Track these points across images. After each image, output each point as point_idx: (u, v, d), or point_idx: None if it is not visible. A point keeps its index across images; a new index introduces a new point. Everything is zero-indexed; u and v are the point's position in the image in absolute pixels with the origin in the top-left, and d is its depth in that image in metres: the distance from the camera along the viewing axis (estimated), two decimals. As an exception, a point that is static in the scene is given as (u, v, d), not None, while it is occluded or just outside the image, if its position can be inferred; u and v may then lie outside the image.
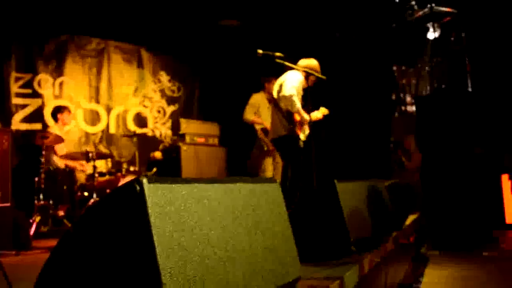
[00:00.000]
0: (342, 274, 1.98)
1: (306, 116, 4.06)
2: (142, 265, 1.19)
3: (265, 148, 5.15)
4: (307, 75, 4.07)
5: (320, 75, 4.08)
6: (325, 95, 5.51)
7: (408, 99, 6.93)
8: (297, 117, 4.00)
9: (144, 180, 1.21)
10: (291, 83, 3.94)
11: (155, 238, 1.18)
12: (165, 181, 1.29)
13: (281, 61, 4.37)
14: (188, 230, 1.32)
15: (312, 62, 4.18)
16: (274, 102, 4.14)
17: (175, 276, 1.21)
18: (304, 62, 4.15)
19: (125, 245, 1.23)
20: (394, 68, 6.67)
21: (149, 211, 1.19)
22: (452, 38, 6.17)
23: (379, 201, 2.97)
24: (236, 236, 1.51)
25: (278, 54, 4.38)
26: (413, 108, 6.57)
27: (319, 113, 5.31)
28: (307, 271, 1.96)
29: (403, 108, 6.92)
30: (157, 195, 1.24)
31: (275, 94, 4.12)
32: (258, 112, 5.32)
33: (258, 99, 5.36)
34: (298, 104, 3.93)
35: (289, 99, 3.89)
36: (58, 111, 5.39)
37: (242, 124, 5.43)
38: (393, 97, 6.76)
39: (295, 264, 1.75)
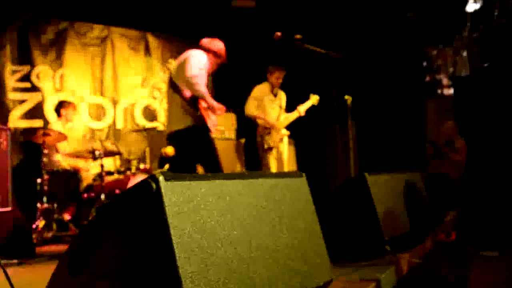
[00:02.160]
0: (378, 276, 1.99)
1: (214, 103, 3.83)
2: (161, 269, 1.22)
3: (266, 146, 5.19)
4: (214, 56, 3.95)
5: (224, 60, 4.00)
6: (351, 80, 5.48)
7: (445, 81, 6.83)
8: (204, 103, 3.76)
9: (161, 178, 1.24)
10: (194, 62, 3.71)
11: (174, 240, 1.21)
12: (182, 178, 1.32)
13: (301, 44, 4.36)
14: (209, 230, 1.35)
15: (218, 43, 4.05)
16: (172, 86, 3.86)
17: (197, 280, 1.24)
18: (208, 42, 4.01)
19: (142, 249, 1.27)
20: (428, 47, 6.58)
21: (167, 210, 1.22)
22: (496, 10, 6.04)
23: (415, 195, 2.96)
24: (260, 234, 1.54)
25: (298, 36, 4.37)
26: (450, 91, 6.48)
27: (309, 102, 5.29)
28: (337, 273, 1.97)
29: (439, 91, 6.83)
30: (174, 193, 1.27)
31: (173, 75, 3.86)
32: (261, 105, 5.32)
33: (261, 91, 5.36)
34: (203, 88, 3.70)
35: (191, 80, 3.65)
36: (62, 106, 5.45)
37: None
38: (427, 79, 6.68)
39: (325, 264, 1.77)
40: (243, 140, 6.17)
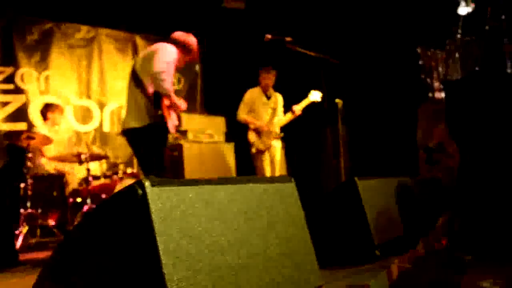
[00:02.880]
0: (368, 281, 2.00)
1: (178, 102, 3.63)
2: (148, 276, 1.22)
3: (256, 150, 5.21)
4: (184, 52, 3.75)
5: (196, 55, 3.81)
6: (342, 83, 5.51)
7: (436, 84, 6.89)
8: (166, 101, 3.55)
9: (147, 183, 1.24)
10: (162, 57, 3.47)
11: (160, 246, 1.21)
12: (169, 183, 1.32)
13: (292, 46, 4.38)
14: (196, 236, 1.35)
15: (191, 38, 3.83)
16: (135, 80, 3.60)
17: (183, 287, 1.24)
18: (180, 36, 3.80)
19: (127, 255, 1.26)
20: (419, 50, 6.64)
21: (153, 217, 1.22)
22: (488, 13, 6.11)
23: (408, 200, 2.98)
24: (249, 241, 1.54)
25: (288, 38, 4.39)
26: (442, 94, 6.53)
27: (306, 101, 5.18)
28: (327, 278, 1.98)
29: (430, 94, 6.89)
30: (161, 199, 1.27)
31: (137, 68, 3.60)
32: (253, 110, 5.32)
33: (253, 95, 5.34)
34: (169, 85, 3.46)
35: (158, 76, 3.41)
36: (48, 109, 5.41)
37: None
38: (419, 82, 6.73)
39: (314, 270, 1.78)
40: (231, 144, 6.18)
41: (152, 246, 1.20)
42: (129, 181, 4.82)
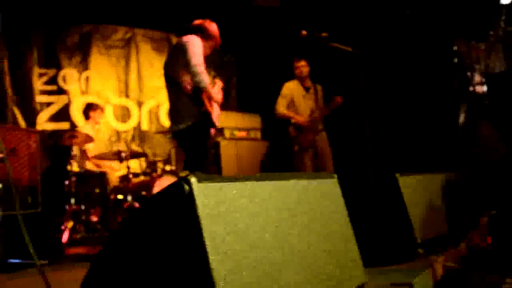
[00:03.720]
0: (411, 279, 1.96)
1: (215, 94, 3.56)
2: (195, 273, 1.23)
3: (299, 147, 5.02)
4: (207, 39, 3.65)
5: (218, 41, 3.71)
6: (380, 78, 5.42)
7: (477, 78, 6.70)
8: (206, 95, 3.47)
9: (193, 179, 1.25)
10: (193, 49, 3.38)
11: (207, 242, 1.22)
12: (214, 179, 1.33)
13: (328, 42, 4.33)
14: (241, 232, 1.35)
15: (212, 25, 3.76)
16: (170, 81, 3.57)
17: (230, 283, 1.24)
18: (201, 24, 3.74)
19: (174, 251, 1.28)
20: (458, 43, 6.47)
21: (200, 213, 1.23)
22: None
23: (452, 197, 2.91)
24: (292, 237, 1.54)
25: (324, 34, 4.34)
26: (484, 88, 6.34)
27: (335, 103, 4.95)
28: (369, 276, 1.95)
29: (470, 88, 6.70)
30: (207, 195, 1.28)
31: (169, 69, 3.58)
32: (292, 103, 5.12)
33: (291, 88, 5.15)
34: (207, 77, 3.39)
35: (196, 70, 3.34)
36: (90, 108, 5.57)
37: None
38: (458, 76, 6.56)
39: (358, 268, 1.76)
40: (267, 142, 6.17)
41: (199, 242, 1.21)
42: (168, 178, 4.89)
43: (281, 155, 5.31)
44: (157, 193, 1.37)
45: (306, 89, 5.19)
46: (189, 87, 3.44)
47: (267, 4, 6.77)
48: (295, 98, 5.13)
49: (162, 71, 5.75)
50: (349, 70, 4.60)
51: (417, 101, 5.92)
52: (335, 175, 1.84)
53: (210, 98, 3.52)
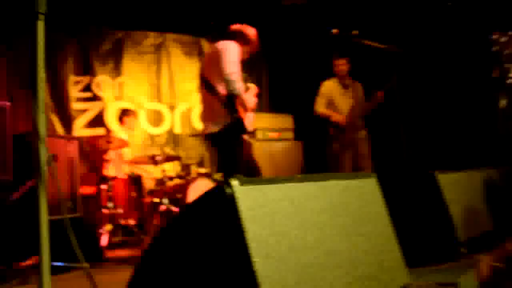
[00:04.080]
0: (456, 279, 1.92)
1: (249, 101, 3.57)
2: (239, 274, 1.24)
3: (339, 145, 4.93)
4: (245, 44, 3.66)
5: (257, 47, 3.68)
6: (413, 73, 5.32)
7: (515, 70, 6.51)
8: (240, 101, 3.49)
9: (235, 182, 1.26)
10: (229, 57, 3.41)
11: (250, 245, 1.23)
12: (255, 182, 1.34)
13: (359, 40, 4.27)
14: (283, 234, 1.36)
15: (249, 29, 3.75)
16: (205, 84, 3.58)
17: (274, 285, 1.25)
18: (238, 29, 3.73)
19: (218, 253, 1.29)
20: (495, 36, 6.29)
21: (242, 215, 1.25)
22: None
23: (493, 193, 2.83)
24: (333, 238, 1.53)
25: (354, 32, 4.28)
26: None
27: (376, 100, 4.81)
28: (412, 277, 1.92)
29: (508, 82, 6.52)
30: (249, 198, 1.29)
31: (205, 72, 3.59)
32: (331, 102, 5.06)
33: (329, 86, 5.09)
34: (240, 85, 3.41)
35: (229, 78, 3.35)
36: (125, 114, 5.65)
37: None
38: (495, 71, 6.38)
39: (400, 268, 1.73)
40: (300, 142, 6.13)
41: (242, 244, 1.22)
42: (202, 181, 4.93)
43: (316, 155, 5.25)
44: (199, 196, 1.39)
45: (345, 87, 5.11)
46: (223, 92, 3.46)
47: (295, 2, 6.75)
48: (334, 97, 5.06)
49: (193, 75, 5.77)
50: (382, 67, 4.54)
51: (455, 95, 5.78)
52: (374, 175, 1.82)
53: (243, 105, 3.54)
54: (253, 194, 1.31)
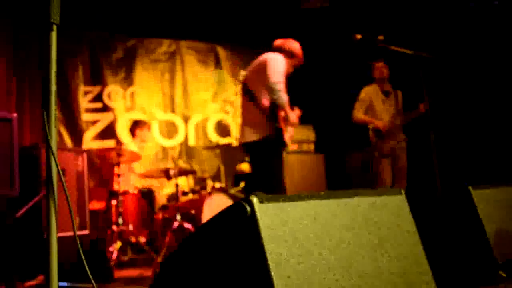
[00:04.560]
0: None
1: (291, 115, 3.74)
2: (258, 296, 1.24)
3: (379, 153, 4.93)
4: (290, 58, 3.87)
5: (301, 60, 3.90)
6: (444, 81, 5.27)
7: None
8: (282, 113, 3.64)
9: (255, 200, 1.27)
10: (275, 67, 3.60)
11: (271, 265, 1.23)
12: (276, 199, 1.34)
13: (385, 45, 4.26)
14: (305, 254, 1.36)
15: (294, 43, 3.98)
16: (247, 94, 3.78)
17: (295, 308, 1.24)
18: (283, 43, 3.94)
19: (236, 273, 1.30)
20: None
21: (262, 234, 1.25)
22: None
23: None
24: (359, 259, 1.52)
25: (380, 37, 4.27)
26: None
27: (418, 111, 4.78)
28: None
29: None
30: (269, 216, 1.29)
31: (248, 82, 3.80)
32: (371, 108, 5.07)
33: (369, 92, 5.10)
34: (285, 96, 3.60)
35: (275, 87, 3.53)
36: (137, 126, 5.71)
37: (341, 126, 5.33)
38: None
39: (432, 292, 1.71)
40: (321, 155, 6.10)
41: (262, 265, 1.23)
42: (218, 196, 4.94)
43: (337, 169, 5.25)
44: (217, 214, 1.40)
45: (386, 94, 5.14)
46: (266, 103, 3.62)
47: (315, 6, 6.76)
48: (374, 103, 5.09)
49: (208, 84, 5.84)
50: (411, 74, 4.51)
51: (491, 104, 5.70)
52: (403, 191, 1.81)
53: (286, 118, 3.69)
54: (273, 212, 1.31)
